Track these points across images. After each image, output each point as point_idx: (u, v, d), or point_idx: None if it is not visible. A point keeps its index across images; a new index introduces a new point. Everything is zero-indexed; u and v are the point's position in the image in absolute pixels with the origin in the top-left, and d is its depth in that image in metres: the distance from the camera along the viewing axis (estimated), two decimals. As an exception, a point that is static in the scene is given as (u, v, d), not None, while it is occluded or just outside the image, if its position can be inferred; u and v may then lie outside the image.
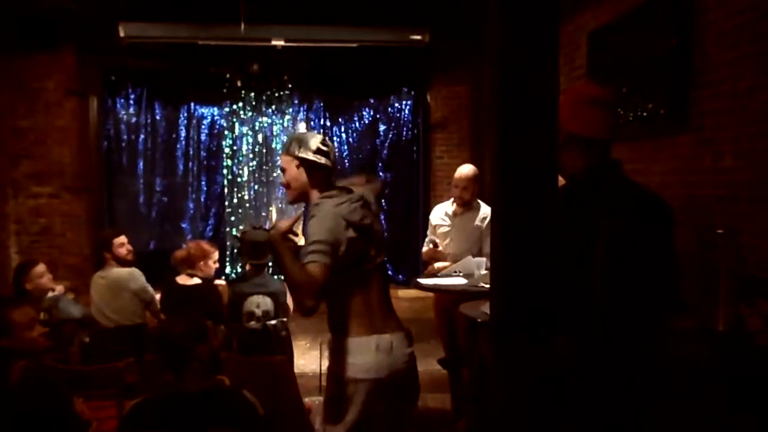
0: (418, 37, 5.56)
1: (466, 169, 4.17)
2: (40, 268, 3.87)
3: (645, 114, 3.65)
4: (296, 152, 2.29)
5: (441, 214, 4.36)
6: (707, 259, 2.88)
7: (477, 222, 4.13)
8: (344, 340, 2.16)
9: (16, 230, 6.53)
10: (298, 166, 2.30)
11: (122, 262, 4.03)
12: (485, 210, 4.13)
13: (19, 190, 6.52)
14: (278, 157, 8.00)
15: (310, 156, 2.29)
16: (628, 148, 3.89)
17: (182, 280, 3.93)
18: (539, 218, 0.84)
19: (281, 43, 5.44)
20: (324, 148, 2.32)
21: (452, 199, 4.29)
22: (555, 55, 0.92)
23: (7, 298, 3.55)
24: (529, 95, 0.90)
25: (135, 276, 3.96)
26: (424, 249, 4.35)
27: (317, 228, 2.13)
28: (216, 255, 4.05)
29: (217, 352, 2.12)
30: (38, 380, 2.10)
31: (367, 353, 2.12)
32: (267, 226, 5.85)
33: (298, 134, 2.35)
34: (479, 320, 3.06)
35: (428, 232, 4.40)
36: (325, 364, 4.99)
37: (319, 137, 2.37)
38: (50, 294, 3.85)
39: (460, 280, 3.82)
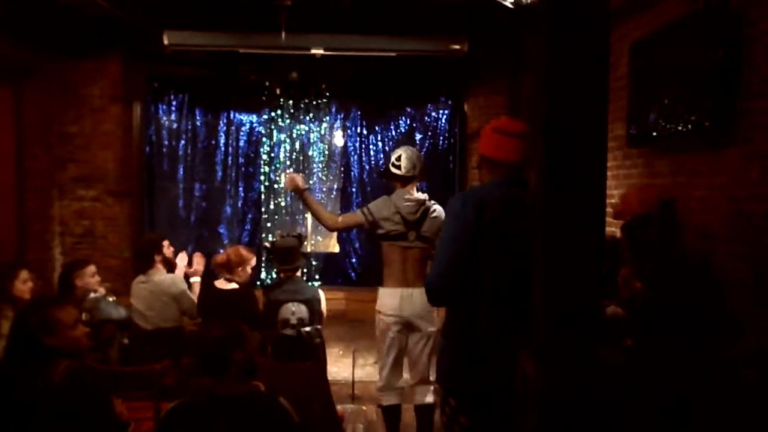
0: (457, 47, 5.54)
1: None
2: (92, 268, 4.04)
3: (689, 126, 3.57)
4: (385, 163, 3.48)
5: None
6: (759, 275, 2.79)
7: None
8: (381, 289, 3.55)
9: (60, 231, 6.71)
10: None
11: (169, 264, 4.13)
12: None
13: (64, 193, 6.70)
14: (314, 164, 8.08)
15: (390, 166, 3.61)
16: (670, 162, 3.81)
17: (220, 284, 3.98)
18: (586, 237, 0.82)
19: (320, 51, 5.48)
20: (397, 163, 3.56)
21: None
22: (605, 75, 0.91)
23: (52, 297, 3.65)
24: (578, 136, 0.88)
25: (176, 282, 4.03)
26: None
27: (373, 202, 3.65)
28: (253, 261, 4.10)
29: (253, 357, 2.13)
30: (82, 380, 2.14)
31: (393, 298, 3.45)
32: (302, 232, 5.93)
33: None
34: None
35: None
36: (358, 372, 5.02)
37: (398, 153, 3.59)
38: (92, 295, 3.94)
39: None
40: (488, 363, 2.16)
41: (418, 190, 3.65)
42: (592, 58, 0.92)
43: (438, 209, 3.59)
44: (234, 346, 2.02)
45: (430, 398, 3.55)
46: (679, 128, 3.62)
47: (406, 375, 3.68)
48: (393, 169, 3.56)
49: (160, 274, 4.03)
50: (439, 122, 7.80)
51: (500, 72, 6.84)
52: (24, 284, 3.51)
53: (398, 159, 3.54)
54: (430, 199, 3.63)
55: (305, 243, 4.21)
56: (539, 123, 0.96)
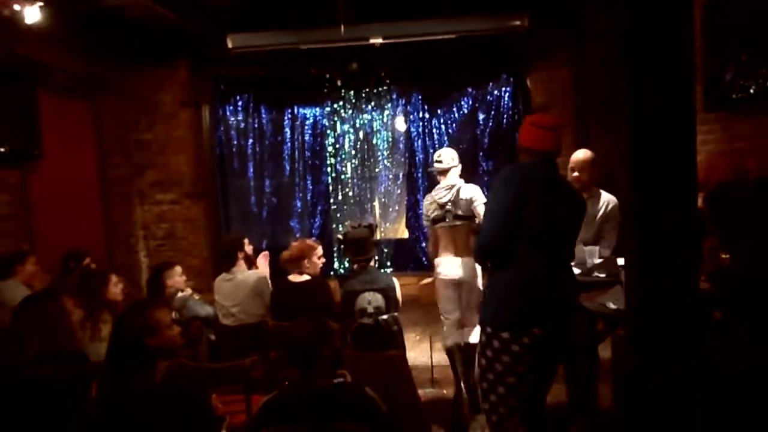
0: (517, 23, 5.42)
1: (582, 153, 3.94)
2: (179, 268, 4.27)
3: (770, 85, 3.38)
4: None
5: None
6: None
7: (597, 209, 3.91)
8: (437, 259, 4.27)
9: (143, 235, 7.05)
10: None
11: (249, 261, 4.28)
12: (606, 198, 3.90)
13: (144, 198, 7.02)
14: (379, 152, 8.12)
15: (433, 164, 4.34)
16: (750, 123, 3.62)
17: (293, 278, 4.06)
18: (680, 217, 0.80)
19: (379, 41, 5.49)
20: (437, 159, 4.30)
21: None
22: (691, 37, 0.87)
23: (148, 300, 3.85)
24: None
25: (261, 278, 4.16)
26: None
27: None
28: (320, 250, 4.15)
29: (339, 350, 2.19)
30: (181, 379, 2.26)
31: (446, 264, 4.21)
32: (371, 221, 5.99)
33: None
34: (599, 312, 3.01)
35: None
36: (436, 356, 5.05)
37: (438, 152, 4.36)
38: (180, 294, 4.13)
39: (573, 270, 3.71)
40: (529, 298, 2.53)
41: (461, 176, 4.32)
42: (675, 20, 0.89)
43: (467, 189, 4.19)
44: (322, 342, 2.09)
45: (475, 338, 3.98)
46: (761, 88, 3.44)
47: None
48: (435, 165, 4.33)
49: (243, 271, 4.17)
50: (502, 100, 7.67)
51: (562, 45, 6.65)
52: (116, 288, 3.72)
53: (438, 156, 4.32)
54: (467, 182, 4.29)
55: (376, 231, 4.25)
56: (624, 94, 0.94)
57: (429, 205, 4.34)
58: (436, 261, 4.33)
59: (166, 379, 2.18)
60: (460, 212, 4.18)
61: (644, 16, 0.81)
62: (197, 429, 2.21)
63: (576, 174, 3.84)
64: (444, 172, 4.30)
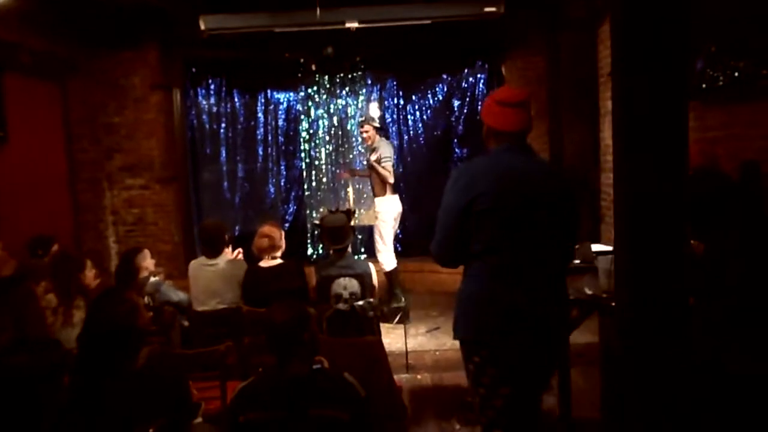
0: (493, 9, 5.42)
1: None
2: (148, 252, 4.17)
3: (739, 75, 3.44)
4: None
5: None
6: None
7: None
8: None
9: (113, 221, 6.92)
10: None
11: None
12: None
13: (113, 183, 6.89)
14: (354, 138, 8.08)
15: None
16: (722, 112, 3.68)
17: (264, 263, 4.04)
18: (669, 195, 0.80)
19: (355, 25, 5.44)
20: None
21: None
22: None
23: (124, 285, 3.79)
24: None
25: (242, 265, 4.12)
26: None
27: None
28: (280, 231, 4.13)
29: (316, 335, 2.18)
30: (162, 364, 2.23)
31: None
32: (347, 207, 5.97)
33: None
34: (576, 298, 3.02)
35: None
36: (411, 342, 5.06)
37: None
38: (152, 279, 4.06)
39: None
40: (485, 309, 2.28)
41: None
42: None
43: None
44: (301, 327, 2.08)
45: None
46: (731, 77, 3.50)
47: None
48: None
49: (226, 257, 4.13)
50: (477, 87, 7.68)
51: (537, 32, 6.68)
52: (91, 273, 3.66)
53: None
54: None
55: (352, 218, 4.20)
56: (613, 74, 0.93)
57: None
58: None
59: (146, 365, 2.15)
60: None
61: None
62: (176, 415, 2.19)
63: None
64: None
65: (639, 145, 0.85)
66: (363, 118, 6.54)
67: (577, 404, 3.29)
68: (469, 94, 7.73)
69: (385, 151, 6.14)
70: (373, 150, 6.14)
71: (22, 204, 5.40)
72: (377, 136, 6.24)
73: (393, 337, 5.50)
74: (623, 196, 0.84)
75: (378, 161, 6.04)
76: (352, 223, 4.03)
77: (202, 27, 5.55)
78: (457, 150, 7.88)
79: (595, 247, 3.78)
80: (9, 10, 4.92)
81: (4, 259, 4.31)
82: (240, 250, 4.44)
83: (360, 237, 7.89)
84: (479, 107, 7.59)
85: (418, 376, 4.62)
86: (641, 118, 0.85)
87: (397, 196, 6.38)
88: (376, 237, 6.35)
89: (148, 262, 4.12)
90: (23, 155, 5.43)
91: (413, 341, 5.34)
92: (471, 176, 2.32)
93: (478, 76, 7.62)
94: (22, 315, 2.43)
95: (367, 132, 6.23)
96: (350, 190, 7.65)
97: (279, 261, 4.05)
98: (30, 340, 1.96)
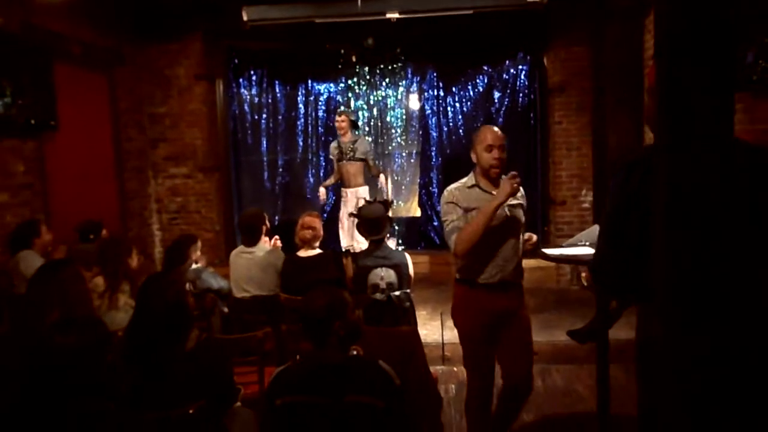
0: (536, -1, 5.34)
1: (497, 129, 3.34)
2: (199, 244, 4.30)
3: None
4: None
5: None
6: None
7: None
8: None
9: (157, 209, 7.09)
10: None
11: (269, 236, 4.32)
12: None
13: (158, 172, 7.05)
14: (393, 130, 8.07)
15: None
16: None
17: (302, 253, 4.08)
18: (712, 186, 0.77)
19: (396, 15, 5.43)
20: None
21: None
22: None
23: (174, 270, 3.89)
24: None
25: (279, 254, 4.18)
26: None
27: None
28: (317, 222, 4.16)
29: (356, 323, 2.20)
30: (210, 349, 2.29)
31: None
32: (385, 197, 5.99)
33: None
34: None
35: None
36: (447, 334, 5.06)
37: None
38: (193, 266, 4.15)
39: (587, 250, 3.67)
40: None
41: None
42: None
43: None
44: (337, 314, 2.09)
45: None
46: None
47: None
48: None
49: (265, 245, 4.19)
50: (518, 79, 7.57)
51: (581, 23, 6.55)
52: (136, 258, 3.76)
53: None
54: None
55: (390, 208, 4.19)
56: (656, 65, 0.90)
57: None
58: None
59: (196, 348, 2.21)
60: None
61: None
62: (220, 398, 2.25)
63: (496, 155, 3.12)
64: None
65: (680, 135, 0.83)
66: (340, 110, 6.88)
67: (617, 401, 3.24)
68: (510, 85, 7.63)
69: (368, 146, 6.73)
70: (354, 143, 6.57)
71: (71, 191, 5.57)
72: (350, 130, 6.64)
73: (429, 329, 5.50)
74: (664, 188, 0.82)
75: (366, 159, 6.62)
76: (389, 213, 4.02)
77: (245, 18, 5.63)
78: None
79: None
80: (59, 2, 5.06)
81: (51, 242, 4.48)
82: (276, 237, 4.50)
83: (397, 228, 7.90)
84: (520, 99, 7.55)
85: (454, 368, 4.61)
86: (683, 107, 0.82)
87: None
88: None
89: (198, 252, 4.22)
90: (72, 144, 5.59)
91: (449, 333, 5.32)
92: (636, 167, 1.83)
93: (520, 67, 7.52)
94: (69, 295, 2.51)
95: (344, 122, 6.55)
96: (388, 180, 7.67)
97: (318, 251, 4.09)
98: (77, 321, 2.03)
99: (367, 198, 6.42)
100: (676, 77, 0.82)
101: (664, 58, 0.87)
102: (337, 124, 6.63)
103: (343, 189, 6.82)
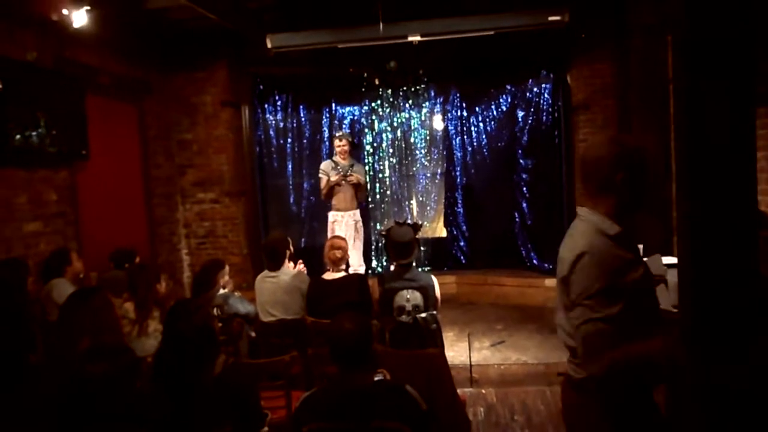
0: (558, 18, 5.32)
1: None
2: (227, 269, 4.32)
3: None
4: None
5: None
6: None
7: None
8: None
9: (185, 234, 7.19)
10: None
11: (293, 261, 4.35)
12: None
13: (186, 198, 7.16)
14: (417, 151, 8.10)
15: None
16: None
17: (327, 276, 4.10)
18: (736, 204, 0.76)
19: (417, 38, 5.47)
20: None
21: None
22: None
23: (202, 296, 3.93)
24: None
25: (304, 277, 4.21)
26: None
27: None
28: (344, 243, 4.21)
29: (374, 347, 2.20)
30: (237, 374, 2.31)
31: None
32: (409, 220, 5.98)
33: None
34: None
35: None
36: (475, 356, 5.00)
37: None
38: (221, 291, 4.19)
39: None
40: None
41: None
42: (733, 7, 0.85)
43: None
44: (364, 340, 2.09)
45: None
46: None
47: None
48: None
49: (289, 270, 4.22)
50: (542, 97, 7.55)
51: (604, 39, 6.53)
52: (164, 285, 3.82)
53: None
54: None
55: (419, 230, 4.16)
56: (678, 85, 0.90)
57: None
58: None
59: (223, 373, 2.23)
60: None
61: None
62: (247, 423, 2.25)
63: None
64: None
65: (702, 153, 0.82)
66: (341, 133, 6.87)
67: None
68: (533, 104, 7.61)
69: (364, 171, 6.90)
70: (351, 167, 6.61)
71: (102, 218, 5.68)
72: (348, 153, 6.69)
73: (457, 350, 5.46)
74: (687, 207, 0.81)
75: (358, 182, 6.59)
76: (417, 236, 4.00)
77: (269, 45, 5.72)
78: (521, 161, 7.78)
79: (666, 260, 3.63)
80: (90, 36, 5.22)
81: (83, 269, 4.57)
82: (300, 261, 4.53)
83: (423, 249, 7.89)
84: (544, 118, 7.52)
85: (483, 391, 4.55)
86: (704, 124, 0.81)
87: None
88: (358, 244, 6.73)
89: (226, 277, 4.26)
90: (103, 172, 5.72)
91: (477, 355, 5.28)
92: None
93: (543, 85, 7.50)
94: (99, 323, 2.55)
95: (345, 146, 6.59)
96: (414, 202, 7.69)
97: (343, 273, 4.09)
98: (106, 349, 2.06)
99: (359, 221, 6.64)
100: (692, 96, 0.82)
101: (683, 74, 0.87)
102: (339, 149, 6.59)
103: (334, 212, 6.66)
